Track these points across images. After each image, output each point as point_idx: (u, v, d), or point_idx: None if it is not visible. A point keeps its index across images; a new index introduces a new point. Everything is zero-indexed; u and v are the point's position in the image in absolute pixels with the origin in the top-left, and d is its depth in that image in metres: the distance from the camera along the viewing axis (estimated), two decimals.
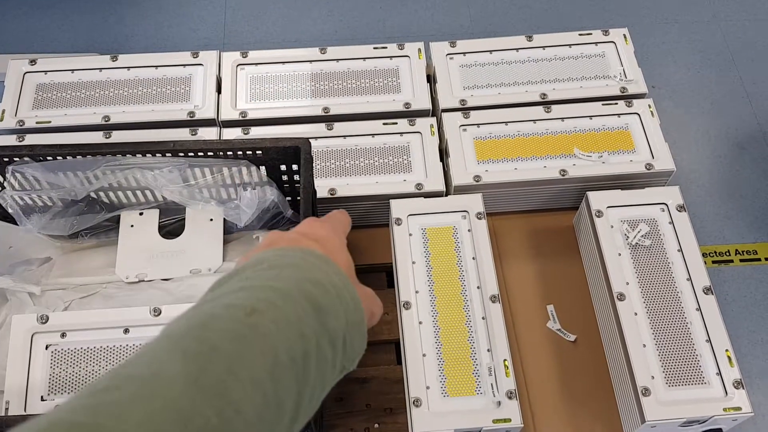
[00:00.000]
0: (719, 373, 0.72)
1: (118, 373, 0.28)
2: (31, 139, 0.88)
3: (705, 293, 0.76)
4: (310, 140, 0.72)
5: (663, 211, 0.82)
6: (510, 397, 0.69)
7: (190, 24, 1.62)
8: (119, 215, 0.80)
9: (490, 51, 0.97)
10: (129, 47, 1.57)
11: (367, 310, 0.40)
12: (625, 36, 0.97)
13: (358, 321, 0.37)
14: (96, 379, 0.28)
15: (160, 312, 0.69)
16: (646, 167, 0.86)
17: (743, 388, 0.71)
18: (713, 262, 1.22)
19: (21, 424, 0.25)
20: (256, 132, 0.90)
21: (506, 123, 0.90)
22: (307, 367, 0.32)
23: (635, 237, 0.79)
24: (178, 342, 0.29)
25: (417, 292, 0.76)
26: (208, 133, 0.89)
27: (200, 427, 0.26)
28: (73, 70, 0.95)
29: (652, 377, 0.71)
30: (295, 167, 0.75)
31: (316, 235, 0.40)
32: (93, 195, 0.77)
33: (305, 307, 0.33)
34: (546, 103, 0.91)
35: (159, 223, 0.80)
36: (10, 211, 0.75)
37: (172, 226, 0.81)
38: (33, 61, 0.95)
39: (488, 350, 0.73)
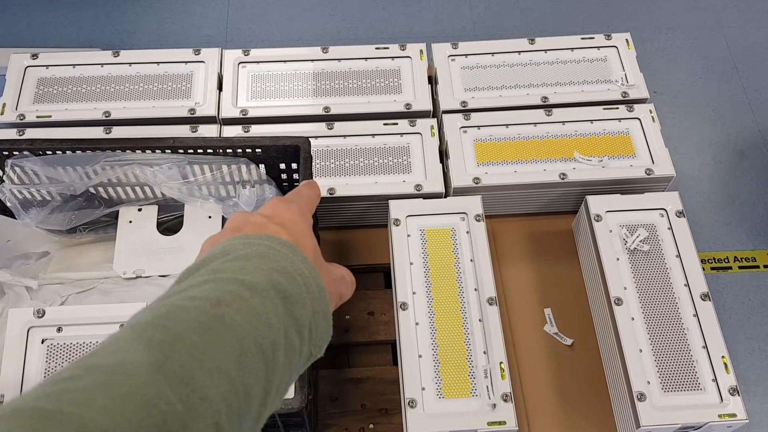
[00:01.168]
0: (715, 380, 0.72)
1: (82, 363, 0.28)
2: (31, 134, 0.88)
3: (702, 299, 0.76)
4: (310, 139, 0.72)
5: (662, 216, 0.82)
6: (505, 400, 0.69)
7: (192, 21, 1.62)
8: (118, 211, 0.80)
9: (492, 53, 0.97)
10: (131, 43, 1.57)
11: (336, 293, 0.40)
12: (627, 41, 0.97)
13: (324, 309, 0.36)
14: (60, 369, 0.29)
15: None
16: (645, 172, 0.86)
17: (739, 395, 0.71)
18: (712, 268, 1.22)
19: None
20: (257, 130, 0.90)
21: (507, 125, 0.90)
22: (275, 356, 0.32)
23: (634, 242, 0.79)
24: (142, 332, 0.29)
25: (414, 293, 0.76)
26: (208, 131, 0.89)
27: (165, 413, 0.25)
28: (74, 65, 0.95)
29: (648, 382, 0.71)
30: (294, 166, 0.75)
31: (282, 219, 0.39)
32: (92, 190, 0.77)
33: (273, 297, 0.33)
34: (547, 107, 0.91)
35: (157, 219, 0.80)
36: (8, 204, 0.75)
37: (170, 223, 0.81)
38: (35, 56, 0.95)
39: (484, 352, 0.73)
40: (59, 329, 0.69)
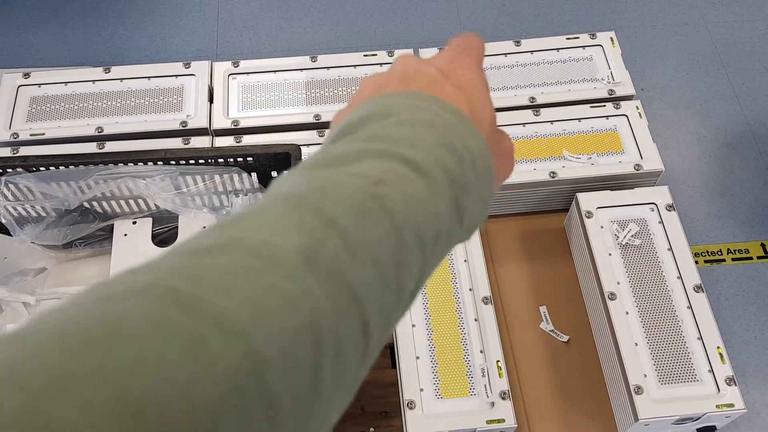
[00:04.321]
0: (711, 371, 0.72)
1: (224, 230, 0.24)
2: (25, 152, 0.89)
3: (696, 291, 0.77)
4: (302, 147, 0.73)
5: (652, 210, 0.83)
6: (503, 398, 0.70)
7: (182, 36, 1.63)
8: (113, 224, 0.80)
9: None
10: (122, 60, 1.58)
11: (503, 171, 0.34)
12: (612, 39, 0.98)
13: (487, 192, 0.31)
14: (200, 233, 0.24)
15: None
16: (634, 168, 0.86)
17: (736, 385, 0.71)
18: (705, 261, 1.23)
19: (113, 278, 0.21)
20: (249, 140, 0.90)
21: None
22: (433, 250, 0.28)
23: (625, 237, 0.80)
24: (293, 208, 0.25)
25: None
26: (200, 142, 0.90)
27: (312, 312, 0.22)
28: (66, 83, 0.96)
29: (645, 375, 0.72)
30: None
31: (461, 79, 0.32)
32: (86, 205, 0.78)
33: (440, 180, 0.28)
34: (535, 107, 0.92)
35: (152, 231, 0.80)
36: (3, 221, 0.76)
37: (165, 235, 0.81)
38: (27, 75, 0.96)
39: (481, 351, 0.73)
40: None
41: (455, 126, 0.30)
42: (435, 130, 0.29)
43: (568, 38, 0.99)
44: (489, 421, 0.69)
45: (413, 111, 0.30)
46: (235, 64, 0.97)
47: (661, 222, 0.82)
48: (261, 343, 0.20)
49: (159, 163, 0.73)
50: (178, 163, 0.73)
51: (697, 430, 0.74)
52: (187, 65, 0.96)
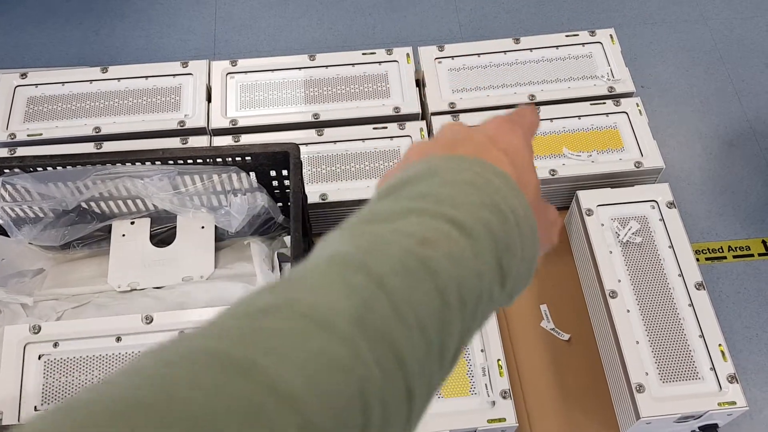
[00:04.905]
0: (713, 368, 0.72)
1: (277, 292, 0.24)
2: (22, 152, 0.88)
3: (697, 289, 0.76)
4: (301, 146, 0.73)
5: (653, 208, 0.82)
6: (504, 397, 0.69)
7: (180, 35, 1.62)
8: (110, 225, 0.80)
9: (478, 54, 0.97)
10: (120, 59, 1.58)
11: (548, 240, 0.34)
12: (611, 36, 0.98)
13: (531, 257, 0.31)
14: (253, 292, 0.24)
15: (152, 320, 0.70)
16: (635, 165, 0.86)
17: (737, 383, 0.71)
18: (706, 258, 1.23)
19: (168, 343, 0.21)
20: (247, 139, 0.90)
21: None
22: (475, 312, 0.28)
23: (626, 234, 0.80)
24: (342, 268, 0.25)
25: None
26: (198, 142, 0.89)
27: (362, 379, 0.22)
28: (63, 83, 0.95)
29: (646, 373, 0.71)
30: (284, 173, 0.76)
31: (507, 144, 0.33)
32: (84, 205, 0.78)
33: (483, 239, 0.28)
34: (534, 104, 0.92)
35: (150, 231, 0.80)
36: (1, 222, 0.75)
37: (163, 235, 0.81)
38: (24, 75, 0.95)
39: (482, 350, 0.73)
40: (55, 344, 0.69)
41: (500, 188, 0.30)
42: (478, 190, 0.29)
43: (567, 35, 0.98)
44: (490, 420, 0.68)
45: (457, 172, 0.30)
46: (233, 63, 0.97)
47: (662, 219, 0.81)
48: (314, 413, 0.20)
49: (157, 162, 0.72)
50: (176, 163, 0.73)
51: (699, 428, 0.74)
52: (185, 64, 0.96)
